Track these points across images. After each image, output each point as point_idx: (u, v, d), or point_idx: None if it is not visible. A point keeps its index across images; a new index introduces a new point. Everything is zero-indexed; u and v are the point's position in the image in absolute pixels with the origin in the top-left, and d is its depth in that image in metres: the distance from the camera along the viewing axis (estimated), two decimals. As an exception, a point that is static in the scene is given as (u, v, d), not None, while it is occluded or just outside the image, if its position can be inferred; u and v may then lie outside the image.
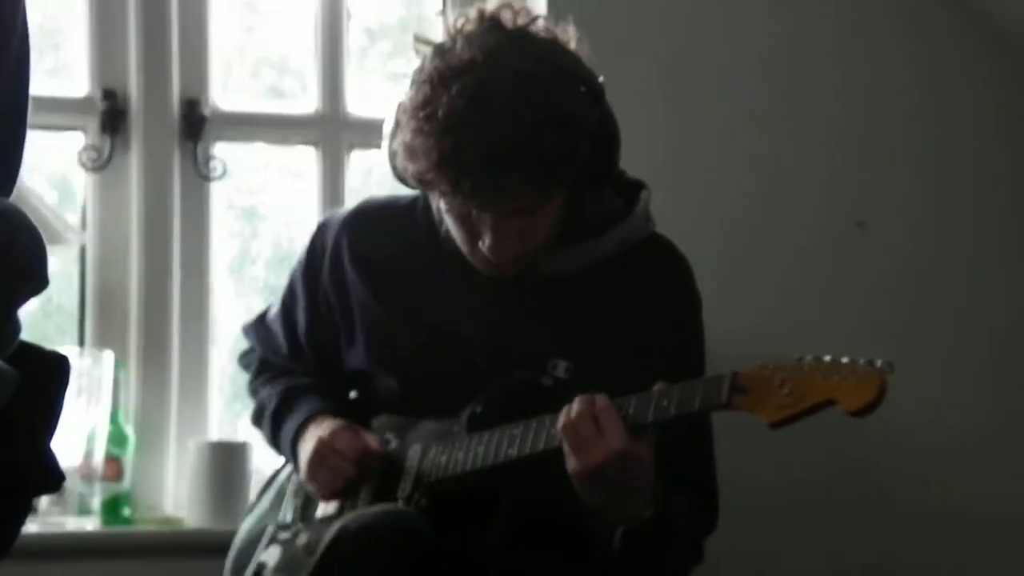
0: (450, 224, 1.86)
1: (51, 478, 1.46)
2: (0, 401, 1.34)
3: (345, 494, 1.91)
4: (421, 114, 1.75)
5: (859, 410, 1.53)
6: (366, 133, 2.72)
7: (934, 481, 2.64)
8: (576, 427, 1.68)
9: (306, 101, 2.73)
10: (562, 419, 1.70)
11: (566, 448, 1.69)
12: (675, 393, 1.66)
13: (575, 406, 1.69)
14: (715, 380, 1.64)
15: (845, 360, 1.55)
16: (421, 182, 1.79)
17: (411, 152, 1.76)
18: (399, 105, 1.81)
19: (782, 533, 2.55)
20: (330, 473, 1.90)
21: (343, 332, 2.00)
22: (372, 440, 1.91)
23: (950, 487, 2.64)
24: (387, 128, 1.86)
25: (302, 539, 1.89)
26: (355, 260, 1.99)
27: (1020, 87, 2.81)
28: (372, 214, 2.03)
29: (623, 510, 1.72)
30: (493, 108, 1.71)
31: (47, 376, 1.43)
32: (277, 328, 2.09)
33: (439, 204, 1.86)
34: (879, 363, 1.53)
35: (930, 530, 2.61)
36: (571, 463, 1.69)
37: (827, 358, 1.56)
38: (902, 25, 2.76)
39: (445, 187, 1.76)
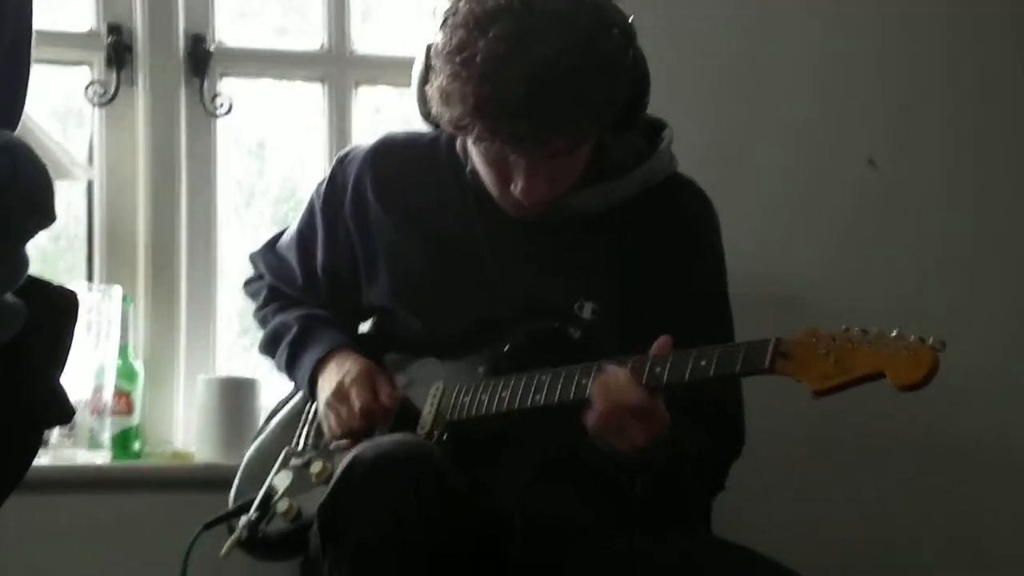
0: (480, 167, 1.84)
1: (61, 412, 1.47)
2: (8, 334, 1.35)
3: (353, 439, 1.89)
4: (457, 59, 1.71)
5: (910, 385, 1.51)
6: (372, 69, 2.71)
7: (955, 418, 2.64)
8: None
9: (312, 37, 2.71)
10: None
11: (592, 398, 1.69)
12: (715, 354, 1.64)
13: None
14: (758, 344, 1.62)
15: (893, 334, 1.54)
16: (457, 127, 1.75)
17: (447, 97, 1.73)
18: (430, 48, 1.77)
19: (808, 481, 2.57)
20: (339, 422, 1.90)
21: (364, 268, 1.99)
22: (385, 394, 1.89)
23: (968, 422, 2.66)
24: (416, 71, 1.83)
25: (315, 466, 1.89)
26: (380, 196, 1.97)
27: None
28: (395, 150, 2.01)
29: (637, 456, 1.71)
30: (533, 53, 1.68)
31: (56, 311, 1.44)
32: (291, 258, 2.08)
33: (468, 145, 1.84)
34: (931, 340, 1.52)
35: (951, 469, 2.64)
36: (591, 417, 1.69)
37: (874, 330, 1.55)
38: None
39: (484, 132, 1.72)
